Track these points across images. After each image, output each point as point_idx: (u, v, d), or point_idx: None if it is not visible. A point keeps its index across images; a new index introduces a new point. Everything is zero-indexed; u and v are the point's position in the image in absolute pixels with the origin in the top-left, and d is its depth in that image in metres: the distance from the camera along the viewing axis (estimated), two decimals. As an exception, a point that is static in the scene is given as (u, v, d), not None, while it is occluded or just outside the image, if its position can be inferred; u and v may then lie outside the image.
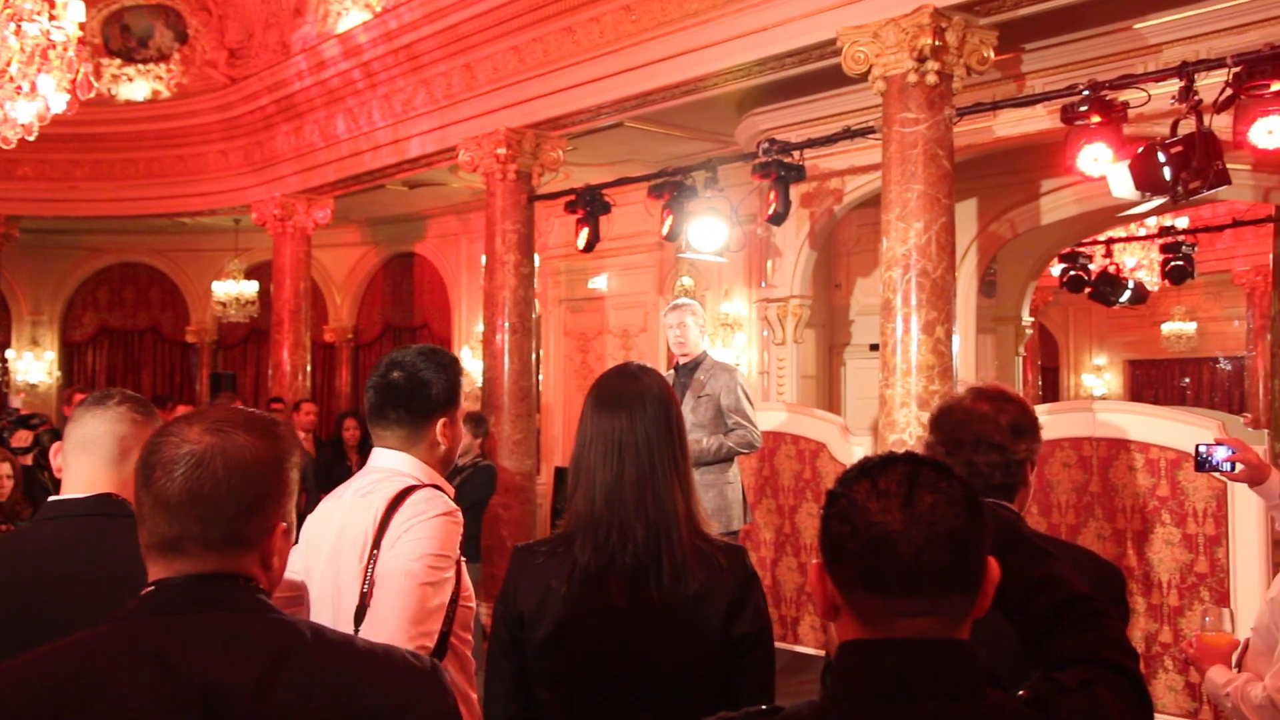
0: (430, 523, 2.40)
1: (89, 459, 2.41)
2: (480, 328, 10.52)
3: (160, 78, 12.85)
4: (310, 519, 2.63)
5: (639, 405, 2.36)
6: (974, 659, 1.46)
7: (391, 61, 9.88)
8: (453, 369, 2.70)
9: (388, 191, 12.36)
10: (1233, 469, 3.38)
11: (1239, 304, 16.16)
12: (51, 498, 2.43)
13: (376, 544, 2.41)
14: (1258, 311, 14.94)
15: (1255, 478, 3.37)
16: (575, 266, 12.44)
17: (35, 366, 16.08)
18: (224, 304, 14.43)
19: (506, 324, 9.19)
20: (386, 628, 2.26)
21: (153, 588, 1.49)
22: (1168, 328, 17.76)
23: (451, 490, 2.63)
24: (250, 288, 14.35)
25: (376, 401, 2.59)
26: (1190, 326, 17.70)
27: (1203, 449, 3.38)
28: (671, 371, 6.22)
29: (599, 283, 12.48)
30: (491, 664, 2.44)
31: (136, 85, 12.92)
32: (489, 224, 9.36)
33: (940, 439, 2.39)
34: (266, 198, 12.36)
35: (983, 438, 2.36)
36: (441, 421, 2.64)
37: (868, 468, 1.51)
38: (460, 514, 2.52)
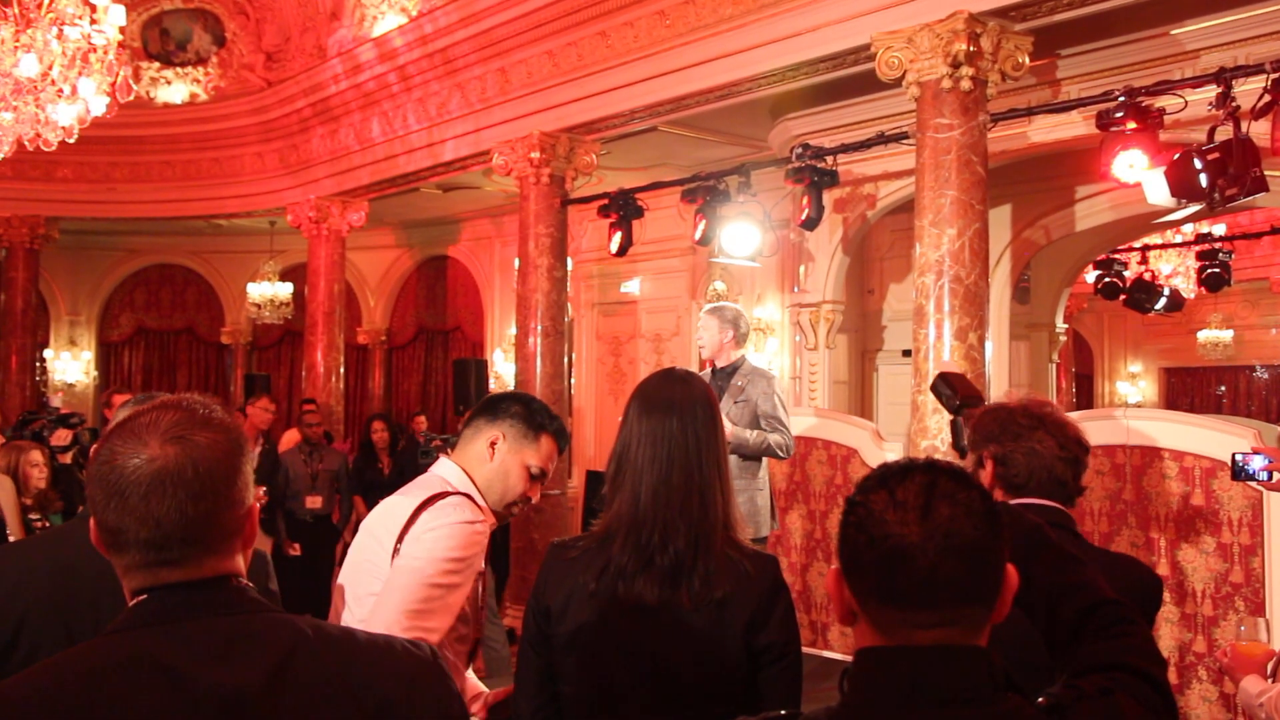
0: (452, 527, 2.45)
1: None
2: (513, 331, 10.55)
3: (198, 81, 12.97)
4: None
5: (688, 409, 2.38)
6: (991, 665, 1.46)
7: (426, 65, 9.94)
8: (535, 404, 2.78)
9: (422, 194, 12.44)
10: (1270, 478, 3.36)
11: (1277, 312, 16.02)
12: None
13: (400, 539, 2.46)
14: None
15: (1292, 487, 3.35)
16: (608, 270, 12.46)
17: (73, 366, 16.25)
18: (259, 306, 14.53)
19: (539, 327, 9.22)
20: (385, 617, 2.32)
21: (145, 596, 1.45)
22: (1204, 335, 17.60)
23: (486, 506, 2.65)
24: (285, 289, 14.46)
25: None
26: (1227, 334, 17.53)
27: (1239, 458, 3.37)
28: (708, 373, 6.21)
29: (631, 287, 12.49)
30: (521, 658, 2.47)
31: (174, 88, 13.05)
32: (522, 227, 9.39)
33: (1000, 429, 2.36)
34: (301, 200, 12.45)
35: (1054, 431, 2.35)
36: (494, 438, 2.68)
37: (886, 476, 1.50)
38: (485, 526, 2.56)
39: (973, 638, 1.46)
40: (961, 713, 1.43)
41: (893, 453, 7.23)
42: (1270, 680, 2.99)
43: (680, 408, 2.38)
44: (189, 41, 12.98)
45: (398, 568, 2.41)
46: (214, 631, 1.42)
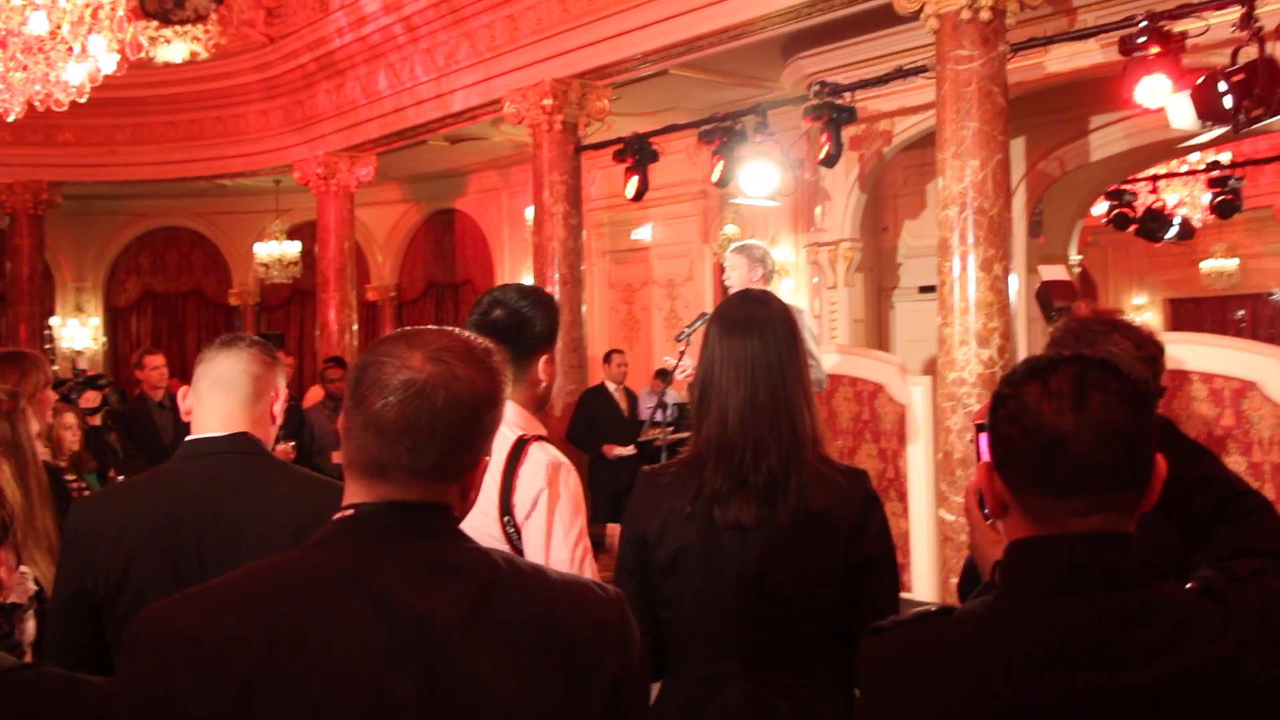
0: (568, 498, 2.44)
1: (225, 397, 2.44)
2: (526, 281, 10.55)
3: (198, 39, 12.85)
4: None
5: (769, 329, 2.38)
6: (1145, 550, 1.50)
7: (433, 15, 9.88)
8: (551, 304, 2.73)
9: (429, 147, 12.39)
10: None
11: (1279, 240, 16.01)
12: (189, 437, 2.47)
13: (506, 508, 2.43)
14: (1300, 247, 14.81)
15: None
16: (619, 218, 12.45)
17: (80, 333, 16.24)
18: (267, 265, 14.52)
19: (557, 275, 9.25)
20: (559, 560, 2.35)
21: (351, 511, 1.44)
22: (1207, 265, 17.58)
23: (545, 430, 2.67)
24: (292, 248, 14.44)
25: None
26: (1232, 263, 17.53)
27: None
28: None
29: (643, 233, 12.48)
30: (618, 585, 2.49)
31: (174, 47, 12.92)
32: (536, 176, 9.39)
33: (1074, 337, 2.39)
34: (309, 156, 12.41)
35: (1128, 333, 2.37)
36: (544, 359, 2.68)
37: (1036, 368, 1.54)
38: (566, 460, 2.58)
39: (1126, 523, 1.49)
40: (1119, 597, 1.47)
41: (919, 387, 7.28)
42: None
43: (761, 326, 2.39)
44: (187, -1, 12.88)
45: (544, 512, 2.40)
46: (417, 557, 1.41)
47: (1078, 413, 1.46)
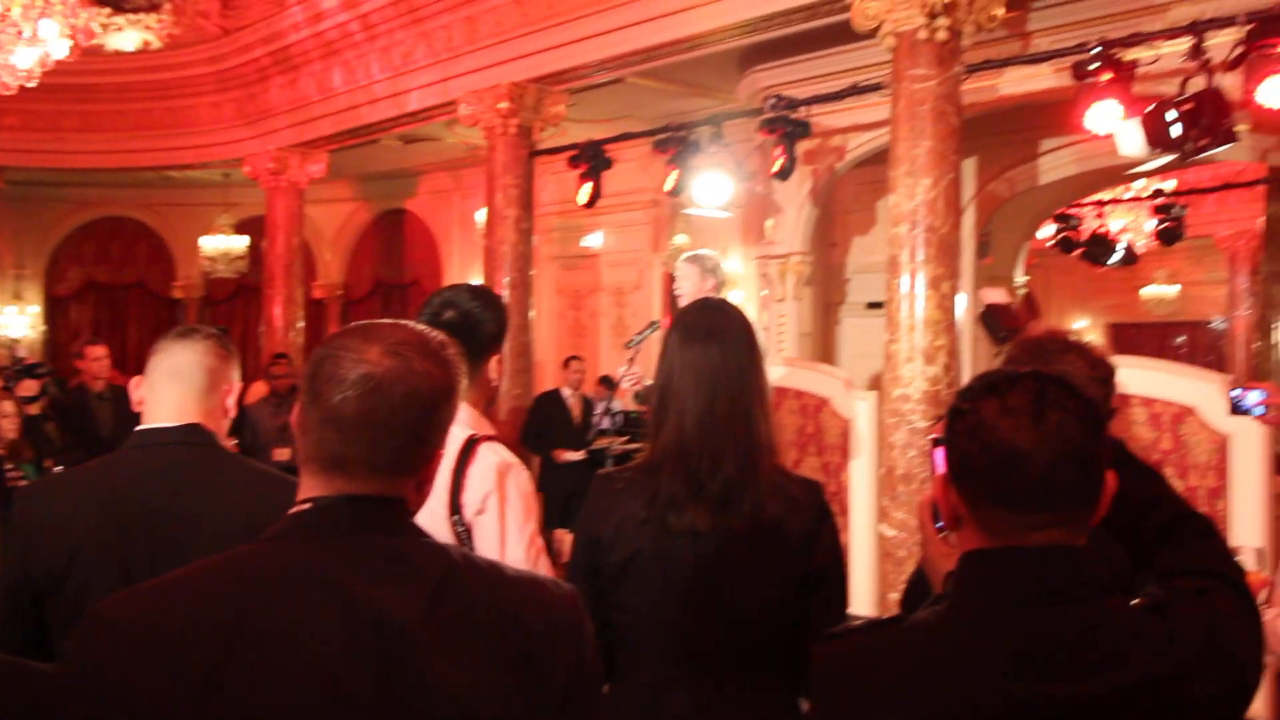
0: (518, 498, 2.48)
1: (179, 388, 2.43)
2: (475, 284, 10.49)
3: (151, 28, 12.70)
4: None
5: (730, 337, 2.41)
6: (1095, 566, 1.53)
7: (391, 14, 9.82)
8: (501, 305, 2.78)
9: (381, 146, 12.31)
10: (1265, 412, 3.49)
11: (1220, 268, 16.28)
12: (140, 426, 2.45)
13: (455, 507, 2.46)
14: (1239, 275, 15.07)
15: (1283, 421, 3.49)
16: (569, 224, 12.45)
17: (18, 321, 15.96)
18: (213, 259, 14.35)
19: (507, 279, 9.23)
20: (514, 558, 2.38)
21: (309, 505, 1.44)
22: (1149, 291, 17.89)
23: (495, 431, 2.68)
24: (240, 243, 14.29)
25: None
26: (1173, 290, 17.84)
27: (1236, 394, 3.49)
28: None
29: (593, 240, 12.49)
30: None
31: (126, 35, 12.75)
32: (489, 179, 9.37)
33: (1030, 356, 2.42)
34: (260, 151, 12.29)
35: (1082, 353, 2.41)
36: (494, 359, 2.70)
37: (994, 384, 1.56)
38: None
39: (1077, 538, 1.53)
40: (1070, 610, 1.50)
41: (864, 402, 7.32)
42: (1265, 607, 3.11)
43: (721, 335, 2.41)
44: (141, -13, 12.73)
45: (495, 513, 2.43)
46: (375, 550, 1.41)
47: (1036, 430, 1.49)
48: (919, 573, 2.11)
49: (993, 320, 2.98)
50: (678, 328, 2.46)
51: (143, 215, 16.18)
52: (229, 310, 16.44)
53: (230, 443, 7.73)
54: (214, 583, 1.39)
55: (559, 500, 8.72)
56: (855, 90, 7.37)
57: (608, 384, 9.84)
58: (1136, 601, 1.59)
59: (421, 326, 1.53)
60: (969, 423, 1.54)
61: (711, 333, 2.41)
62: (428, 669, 1.36)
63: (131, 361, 13.07)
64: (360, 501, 1.43)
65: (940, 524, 1.70)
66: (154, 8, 12.44)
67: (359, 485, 1.43)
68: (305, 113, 11.55)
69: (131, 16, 12.35)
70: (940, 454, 1.63)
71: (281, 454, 8.99)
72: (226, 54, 12.15)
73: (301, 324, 12.60)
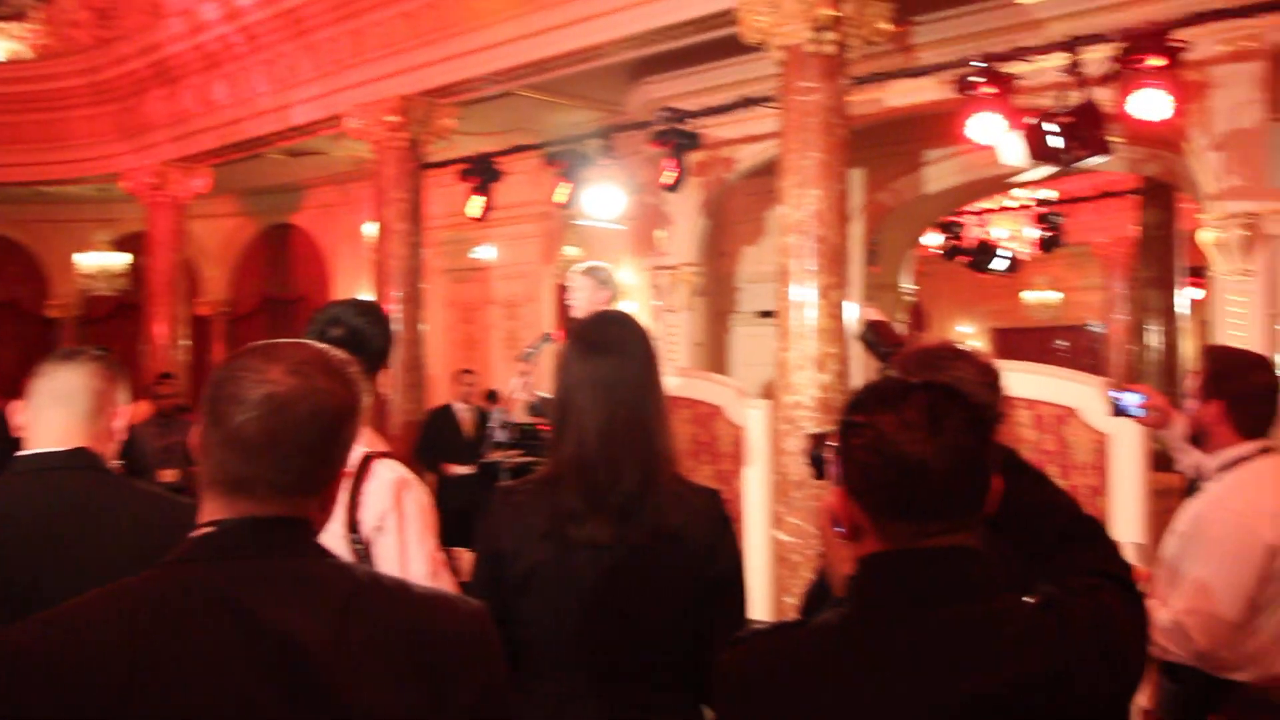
0: (416, 514, 2.51)
1: (64, 412, 2.37)
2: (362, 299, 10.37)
3: (20, 38, 12.36)
4: None
5: (628, 350, 2.41)
6: (989, 565, 1.59)
7: (275, 26, 9.65)
8: (386, 319, 2.78)
9: (266, 160, 12.09)
10: (1143, 414, 3.60)
11: (1096, 274, 16.76)
12: (22, 452, 2.38)
13: (353, 524, 2.45)
14: (1115, 281, 15.54)
15: (1162, 421, 3.62)
16: (459, 236, 12.36)
17: (-120, 345, 15.37)
18: (91, 277, 13.98)
19: (398, 294, 9.15)
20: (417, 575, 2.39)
21: (212, 528, 1.42)
22: (1031, 297, 18.39)
23: (388, 447, 2.67)
24: (120, 260, 13.93)
25: None
26: (1054, 296, 18.36)
27: (1116, 395, 3.59)
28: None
29: (484, 253, 12.43)
30: None
31: (-5, 46, 12.42)
32: (378, 193, 9.27)
33: (922, 365, 2.46)
34: (139, 165, 11.96)
35: (971, 360, 2.46)
36: (386, 374, 2.71)
37: (886, 396, 1.60)
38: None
39: (973, 541, 1.58)
40: (968, 608, 1.55)
41: (756, 410, 7.38)
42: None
43: (619, 348, 2.42)
44: (10, -4, 12.36)
45: (394, 530, 2.44)
46: (280, 573, 1.40)
47: (934, 441, 1.54)
48: (820, 576, 2.14)
49: (875, 336, 3.02)
50: (576, 340, 2.46)
51: (13, 232, 15.62)
52: (109, 329, 15.97)
53: (115, 464, 7.53)
54: (115, 610, 1.35)
55: (453, 515, 8.65)
56: (744, 102, 7.46)
57: (491, 397, 9.81)
58: (1030, 599, 1.64)
59: (323, 345, 1.51)
60: (868, 437, 1.58)
61: (610, 345, 2.42)
62: (338, 691, 1.34)
63: (5, 383, 12.65)
64: (265, 523, 1.42)
65: (840, 528, 1.73)
66: (19, 16, 12.09)
67: (263, 507, 1.42)
68: (186, 126, 11.28)
69: (1, 25, 12.00)
70: (835, 466, 1.66)
71: (167, 475, 8.81)
72: (101, 65, 11.80)
73: (186, 342, 12.30)
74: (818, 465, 2.08)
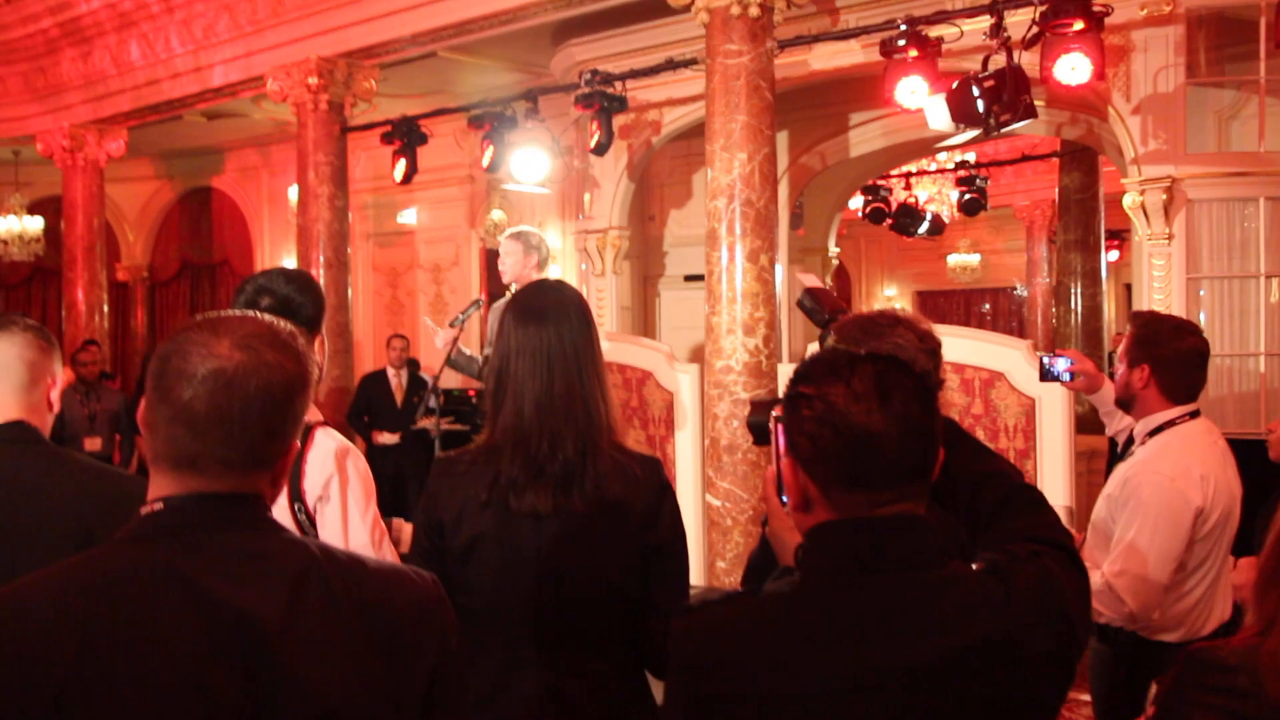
0: (358, 482, 2.49)
1: None
2: (288, 263, 10.26)
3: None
4: None
5: (564, 317, 2.40)
6: (936, 533, 1.62)
7: (189, -16, 9.46)
8: (317, 287, 2.75)
9: (184, 123, 11.84)
10: (1072, 379, 3.64)
11: (1019, 237, 16.98)
12: None
13: (297, 495, 2.44)
14: (1037, 244, 15.75)
15: (1090, 386, 3.67)
16: (383, 200, 12.23)
17: None
18: (5, 242, 13.63)
19: (322, 258, 9.02)
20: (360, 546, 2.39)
21: (160, 505, 1.40)
22: (954, 260, 18.57)
23: (324, 416, 2.65)
24: (35, 224, 13.58)
25: None
26: (975, 259, 18.55)
27: (1045, 360, 3.63)
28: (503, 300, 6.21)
29: (409, 217, 12.31)
30: None
31: (-102, 5, 11.99)
32: (300, 156, 9.14)
33: (862, 332, 2.47)
34: (53, 127, 11.66)
35: (911, 327, 2.48)
36: (318, 341, 2.68)
37: (835, 367, 1.61)
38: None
39: (919, 509, 1.61)
40: (916, 575, 1.58)
41: (686, 374, 7.41)
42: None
43: (556, 315, 2.40)
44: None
45: (338, 498, 2.43)
46: (231, 548, 1.38)
47: (884, 412, 1.55)
48: (764, 544, 2.15)
49: (814, 303, 3.01)
50: (513, 309, 2.45)
51: (-77, 196, 15.22)
52: (25, 294, 15.64)
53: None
54: (62, 589, 1.33)
55: (385, 483, 8.61)
56: (670, 65, 7.42)
57: (414, 367, 9.74)
58: (976, 566, 1.67)
59: (270, 318, 1.49)
60: (819, 409, 1.58)
61: (546, 313, 2.40)
62: (292, 666, 1.34)
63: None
64: (214, 499, 1.40)
65: (785, 499, 1.73)
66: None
67: (213, 483, 1.40)
68: (101, 87, 11.01)
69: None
70: (782, 437, 1.66)
71: (93, 443, 8.69)
72: (9, 24, 11.41)
73: (106, 308, 12.05)
74: (759, 433, 2.09)
